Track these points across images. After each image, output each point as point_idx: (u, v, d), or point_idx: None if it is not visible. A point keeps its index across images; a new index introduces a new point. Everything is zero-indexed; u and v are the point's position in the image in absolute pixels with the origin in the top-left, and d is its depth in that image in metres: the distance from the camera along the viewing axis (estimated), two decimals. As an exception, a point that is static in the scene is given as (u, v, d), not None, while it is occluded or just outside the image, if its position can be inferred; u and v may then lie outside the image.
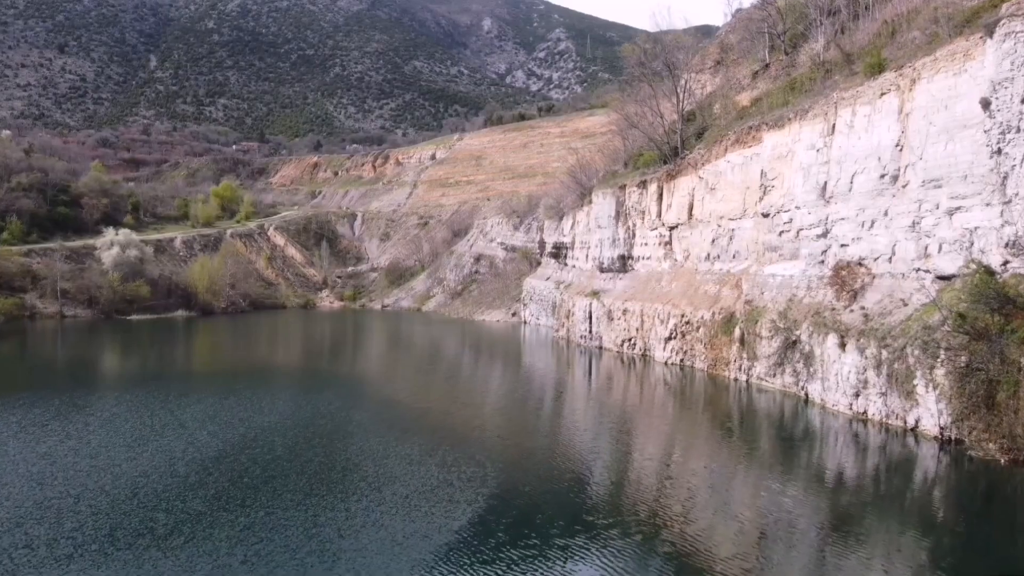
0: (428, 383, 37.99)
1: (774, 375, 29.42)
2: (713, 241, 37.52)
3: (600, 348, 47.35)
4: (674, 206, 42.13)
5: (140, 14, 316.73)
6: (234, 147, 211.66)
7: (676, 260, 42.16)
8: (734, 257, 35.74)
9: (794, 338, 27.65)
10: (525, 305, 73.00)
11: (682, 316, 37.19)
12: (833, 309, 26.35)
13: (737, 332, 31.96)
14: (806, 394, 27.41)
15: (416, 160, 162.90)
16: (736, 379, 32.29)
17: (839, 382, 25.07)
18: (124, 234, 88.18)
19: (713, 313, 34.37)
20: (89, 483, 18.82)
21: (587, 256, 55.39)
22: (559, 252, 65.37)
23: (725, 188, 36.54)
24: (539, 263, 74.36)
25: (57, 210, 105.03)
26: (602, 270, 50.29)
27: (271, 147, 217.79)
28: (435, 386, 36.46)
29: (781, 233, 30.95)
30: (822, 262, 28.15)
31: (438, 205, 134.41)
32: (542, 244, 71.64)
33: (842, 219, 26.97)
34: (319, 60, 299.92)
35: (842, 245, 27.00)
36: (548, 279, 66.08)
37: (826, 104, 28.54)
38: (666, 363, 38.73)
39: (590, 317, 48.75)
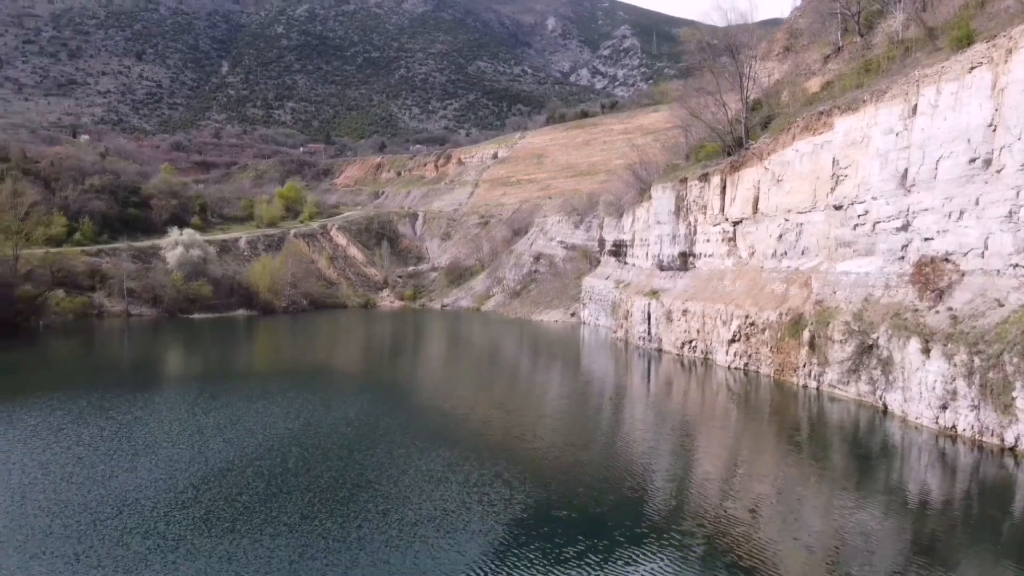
0: (473, 387, 36.41)
1: (847, 383, 26.74)
2: (780, 236, 34.86)
3: (659, 350, 45.00)
4: (738, 200, 39.54)
5: (213, 21, 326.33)
6: (300, 149, 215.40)
7: (740, 257, 39.56)
8: (803, 253, 33.04)
9: (870, 342, 24.97)
10: (584, 305, 70.89)
11: (746, 317, 34.65)
12: (915, 310, 23.62)
13: (806, 335, 29.34)
14: (884, 405, 24.70)
15: (478, 159, 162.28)
16: (805, 386, 29.67)
17: (922, 392, 22.37)
18: (188, 234, 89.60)
19: (780, 314, 31.78)
20: (76, 498, 17.46)
21: (646, 254, 53.02)
22: (619, 250, 63.06)
23: (793, 179, 33.86)
24: (598, 262, 72.14)
25: (127, 211, 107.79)
26: (661, 268, 47.90)
27: (336, 149, 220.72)
28: (480, 390, 34.83)
29: (855, 227, 28.22)
30: (902, 258, 25.38)
31: (499, 204, 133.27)
32: (601, 242, 69.41)
33: (925, 210, 24.18)
34: (384, 62, 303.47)
35: (925, 239, 24.20)
36: (607, 278, 63.86)
37: (906, 83, 25.75)
38: (728, 367, 36.23)
39: (648, 318, 46.43)
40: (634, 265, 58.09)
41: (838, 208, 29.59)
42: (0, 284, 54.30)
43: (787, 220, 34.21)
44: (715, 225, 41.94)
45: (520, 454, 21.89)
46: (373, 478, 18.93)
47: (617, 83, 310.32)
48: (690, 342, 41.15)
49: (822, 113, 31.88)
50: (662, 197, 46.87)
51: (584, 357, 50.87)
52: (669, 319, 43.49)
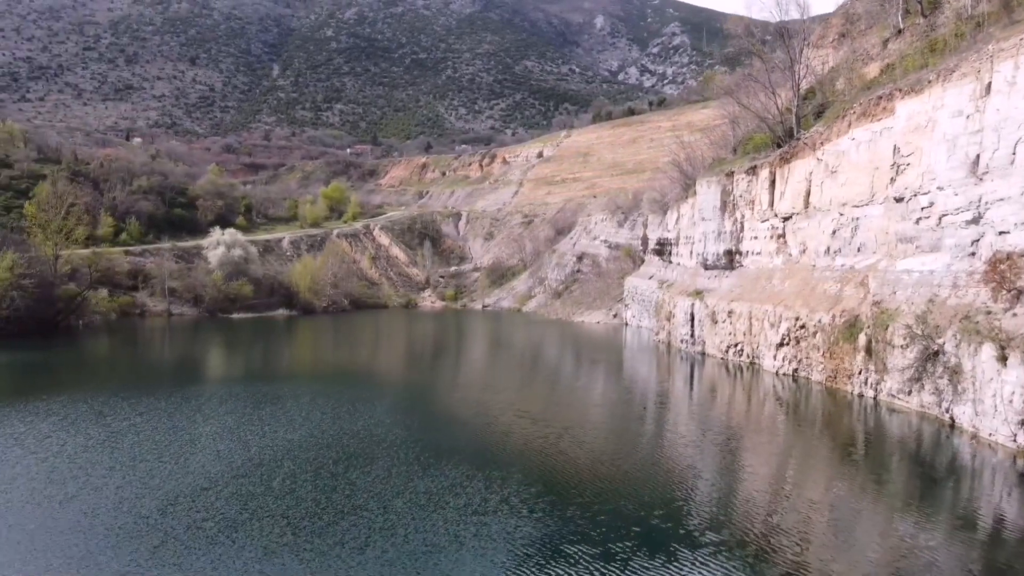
0: (501, 393, 34.44)
1: (909, 392, 24.08)
2: (834, 232, 32.18)
3: (702, 354, 42.52)
4: (788, 193, 36.89)
5: (264, 25, 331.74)
6: (348, 150, 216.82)
7: (790, 255, 36.91)
8: (859, 251, 30.35)
9: (936, 348, 22.33)
10: (627, 306, 68.50)
11: (796, 319, 32.05)
12: (988, 312, 20.95)
13: (862, 339, 26.71)
14: (952, 419, 22.03)
15: (523, 158, 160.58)
16: (861, 395, 27.03)
17: (997, 405, 19.72)
18: (230, 234, 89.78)
19: (833, 316, 29.16)
20: (14, 520, 15.64)
21: (691, 252, 50.50)
22: (663, 249, 60.56)
23: (848, 170, 31.17)
24: (643, 261, 69.67)
25: (173, 211, 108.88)
26: (706, 267, 45.38)
27: (383, 149, 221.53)
28: (508, 397, 32.83)
29: (918, 220, 25.53)
30: (973, 254, 22.68)
31: (543, 203, 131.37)
32: (645, 240, 66.94)
33: (1000, 200, 21.47)
34: (431, 63, 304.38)
35: (1000, 232, 21.49)
36: (651, 278, 61.40)
37: (978, 60, 23.03)
38: (776, 373, 33.65)
39: (692, 319, 43.97)
40: (678, 264, 55.58)
41: (899, 200, 26.90)
42: (40, 283, 54.40)
43: (842, 215, 31.53)
44: (763, 221, 39.33)
45: (538, 472, 19.77)
46: (361, 502, 16.73)
47: (666, 81, 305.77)
48: (735, 345, 38.62)
49: (881, 97, 29.18)
50: (707, 192, 44.34)
51: (623, 361, 48.57)
52: (714, 321, 41.00)
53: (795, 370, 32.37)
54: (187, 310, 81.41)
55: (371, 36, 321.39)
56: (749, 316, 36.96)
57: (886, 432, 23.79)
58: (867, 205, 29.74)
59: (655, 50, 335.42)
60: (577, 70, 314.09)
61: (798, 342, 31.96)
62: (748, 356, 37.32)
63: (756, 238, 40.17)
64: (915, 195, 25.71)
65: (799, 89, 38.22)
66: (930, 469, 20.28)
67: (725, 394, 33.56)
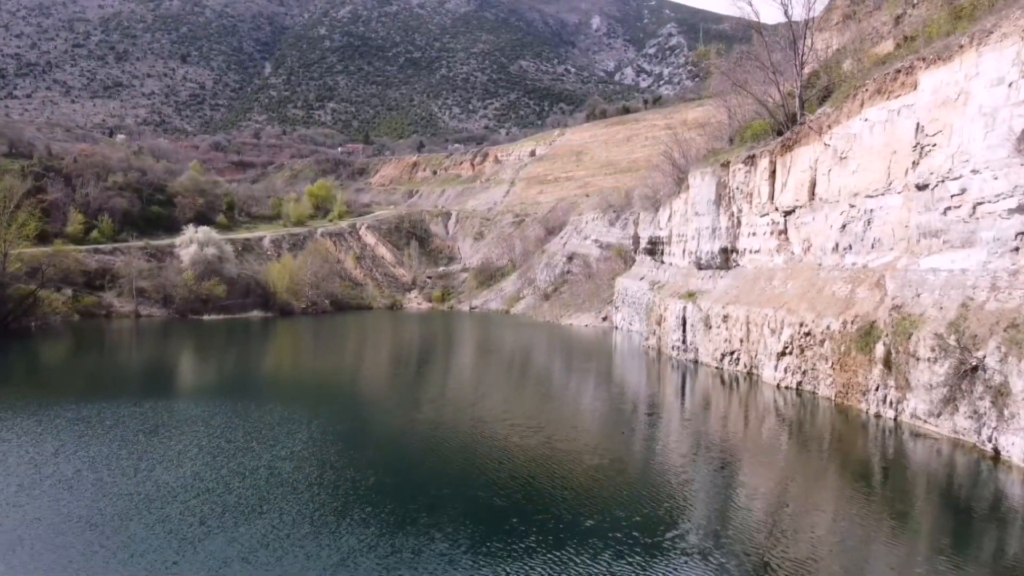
0: (470, 402, 30.61)
1: (939, 415, 20.20)
2: (843, 227, 28.36)
3: (695, 362, 38.67)
4: (790, 184, 33.08)
5: (257, 23, 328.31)
6: (339, 149, 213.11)
7: (792, 253, 33.09)
8: (873, 247, 26.52)
9: (974, 362, 18.48)
10: (617, 308, 64.67)
11: (800, 325, 28.21)
12: (1039, 319, 17.17)
13: (879, 350, 22.86)
14: (995, 448, 18.14)
15: (515, 157, 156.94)
16: (878, 415, 23.15)
17: (1055, 435, 15.93)
18: (204, 231, 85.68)
19: (844, 322, 25.30)
20: None
21: (683, 251, 46.69)
22: (654, 248, 56.76)
23: (861, 156, 27.35)
24: (634, 261, 65.86)
25: (150, 209, 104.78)
26: (700, 267, 41.54)
27: (375, 148, 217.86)
28: (477, 407, 28.94)
29: (946, 210, 21.73)
30: (1017, 249, 18.88)
31: (535, 203, 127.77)
32: (636, 239, 63.12)
33: (1052, 183, 17.73)
34: (425, 62, 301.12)
35: (1051, 223, 17.75)
36: (642, 279, 57.58)
37: (1022, 16, 19.29)
38: (778, 385, 29.79)
39: (684, 324, 40.11)
40: (670, 264, 51.77)
41: (922, 188, 23.08)
42: (-15, 282, 50.53)
43: (852, 206, 27.70)
44: (762, 216, 35.53)
45: (487, 505, 15.98)
46: (299, 539, 13.21)
47: (663, 82, 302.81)
48: (732, 353, 34.78)
49: (899, 71, 25.37)
50: (700, 185, 40.50)
51: (609, 369, 44.65)
52: (707, 326, 37.16)
53: (799, 383, 28.50)
54: (156, 311, 77.38)
55: (365, 35, 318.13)
56: (747, 321, 33.13)
57: (909, 460, 19.99)
58: (883, 195, 25.91)
59: (651, 51, 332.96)
60: (573, 70, 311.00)
61: (802, 351, 28.10)
62: (746, 366, 33.48)
63: (754, 235, 36.37)
64: (942, 181, 21.89)
65: (802, 68, 34.37)
66: (965, 508, 16.50)
67: (720, 408, 29.71)
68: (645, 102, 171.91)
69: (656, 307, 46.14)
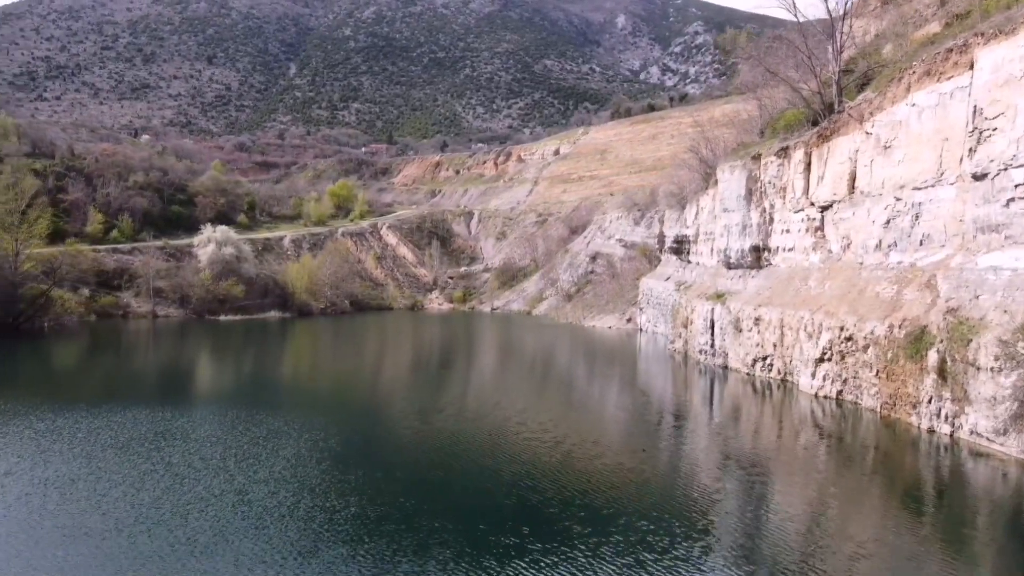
0: (472, 414, 28.63)
1: (1004, 432, 17.88)
2: (887, 222, 26.02)
3: (725, 367, 36.42)
4: (828, 177, 30.76)
5: (282, 25, 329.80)
6: (362, 149, 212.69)
7: (830, 251, 30.77)
8: (922, 244, 24.17)
9: (1047, 373, 16.21)
10: (641, 310, 62.41)
11: (840, 329, 25.92)
12: None
13: (932, 357, 20.56)
14: (1074, 473, 15.90)
15: (539, 156, 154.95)
16: (931, 430, 20.85)
17: None
18: (222, 231, 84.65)
19: (890, 327, 23.00)
20: None
21: (711, 249, 44.41)
22: (680, 247, 54.45)
23: (908, 144, 25.01)
24: (659, 261, 63.57)
25: (171, 208, 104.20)
26: (729, 266, 39.25)
27: (398, 148, 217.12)
28: (479, 422, 26.84)
29: (1009, 202, 19.42)
30: (1096, 244, 16.60)
31: (558, 202, 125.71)
32: (661, 238, 60.81)
33: None
34: (449, 62, 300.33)
35: None
36: (668, 279, 55.30)
37: (1101, -20, 17.01)
38: (816, 394, 27.52)
39: (712, 326, 37.87)
40: (697, 264, 49.48)
41: (979, 178, 20.77)
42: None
43: (899, 199, 25.36)
44: (797, 211, 33.21)
45: (491, 546, 14.03)
46: None
47: (688, 80, 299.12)
48: (764, 359, 32.51)
49: (951, 50, 23.03)
50: (730, 179, 38.21)
51: (633, 375, 42.48)
52: (737, 329, 34.90)
53: (840, 392, 26.21)
54: (173, 311, 76.43)
55: (389, 35, 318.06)
56: (780, 324, 30.86)
57: (968, 482, 17.75)
58: (933, 186, 23.57)
59: (677, 49, 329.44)
60: (598, 69, 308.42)
61: (843, 358, 25.81)
62: (779, 372, 31.21)
63: (788, 232, 34.05)
64: (1004, 169, 19.57)
65: (841, 53, 31.99)
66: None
67: (751, 418, 27.52)
68: (671, 99, 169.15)
69: (682, 309, 43.92)
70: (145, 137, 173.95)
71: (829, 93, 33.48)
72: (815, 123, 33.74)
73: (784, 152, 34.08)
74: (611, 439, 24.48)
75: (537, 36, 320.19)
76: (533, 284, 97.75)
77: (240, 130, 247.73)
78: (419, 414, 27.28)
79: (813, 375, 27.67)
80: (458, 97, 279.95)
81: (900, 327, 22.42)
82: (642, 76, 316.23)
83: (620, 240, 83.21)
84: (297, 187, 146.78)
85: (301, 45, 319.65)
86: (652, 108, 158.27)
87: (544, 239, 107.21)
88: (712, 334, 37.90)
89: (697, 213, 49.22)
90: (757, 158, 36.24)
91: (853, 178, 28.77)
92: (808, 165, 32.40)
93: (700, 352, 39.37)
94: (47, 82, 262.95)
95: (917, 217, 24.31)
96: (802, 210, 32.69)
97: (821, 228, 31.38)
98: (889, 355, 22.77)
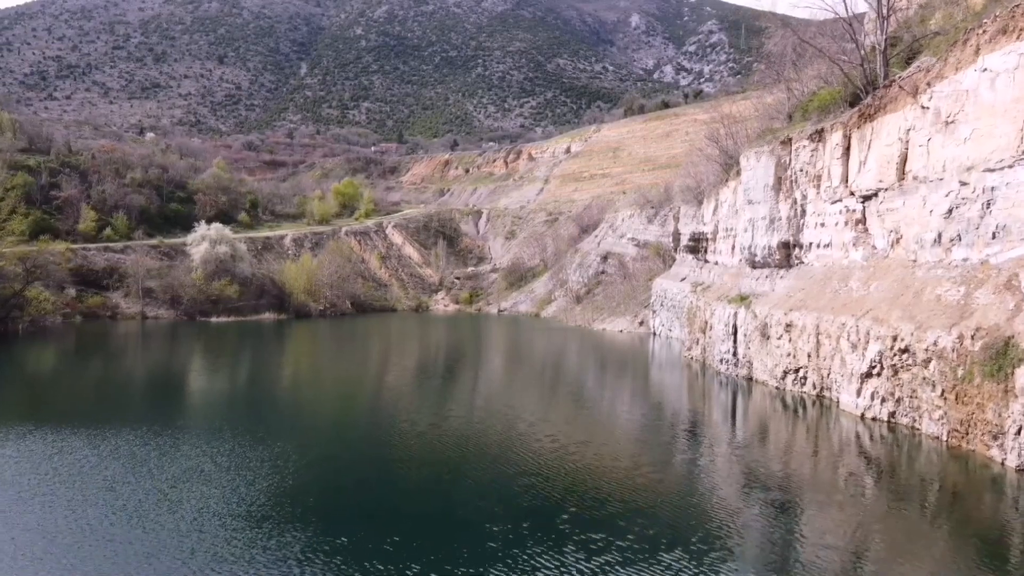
0: (457, 434, 24.70)
1: None
2: (950, 212, 21.86)
3: (749, 379, 32.29)
4: (871, 162, 26.60)
5: (294, 24, 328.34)
6: (372, 148, 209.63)
7: (874, 247, 26.60)
8: (995, 237, 19.99)
9: None
10: (654, 312, 58.30)
11: (893, 339, 21.77)
12: None
13: (1020, 377, 16.44)
14: None
15: (549, 154, 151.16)
16: (1020, 468, 16.72)
17: None
18: (216, 228, 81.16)
19: (959, 337, 18.86)
20: None
21: (732, 247, 40.29)
22: (697, 245, 50.34)
23: (977, 117, 20.86)
24: (674, 260, 59.44)
25: (169, 206, 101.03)
26: (754, 265, 35.09)
27: (408, 147, 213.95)
28: (465, 443, 22.90)
29: (1122, 181, 15.30)
30: None
31: (569, 201, 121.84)
32: (676, 236, 56.67)
33: None
34: (461, 61, 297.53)
35: None
36: (683, 280, 51.20)
37: None
38: (862, 416, 23.34)
39: (734, 333, 33.74)
40: (716, 263, 45.35)
41: (1078, 152, 16.63)
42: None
43: (964, 184, 21.19)
44: (834, 202, 29.06)
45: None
46: None
47: (703, 79, 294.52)
48: (796, 371, 28.38)
49: (1035, 1, 18.91)
50: (755, 167, 34.04)
51: (646, 387, 38.37)
52: (764, 336, 30.77)
53: (892, 414, 22.03)
54: (164, 312, 73.04)
55: (401, 34, 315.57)
56: (816, 331, 26.72)
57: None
58: (1012, 167, 19.39)
59: (691, 48, 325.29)
60: (611, 68, 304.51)
61: (896, 373, 21.65)
62: (815, 387, 27.05)
63: (823, 225, 29.91)
64: (1117, 139, 15.44)
65: (888, 18, 27.80)
66: None
67: (781, 438, 23.42)
68: (685, 96, 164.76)
69: (700, 312, 39.78)
70: (150, 135, 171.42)
71: (873, 66, 29.34)
72: (853, 104, 29.59)
73: (819, 135, 29.94)
74: (622, 454, 20.60)
75: (550, 35, 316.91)
76: (542, 285, 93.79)
77: (250, 129, 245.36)
78: (417, 436, 23.36)
79: (858, 392, 23.49)
80: (469, 96, 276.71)
81: (974, 338, 18.27)
82: (656, 75, 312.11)
83: (632, 239, 79.10)
84: (303, 186, 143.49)
85: (312, 44, 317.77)
86: (666, 105, 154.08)
87: (554, 238, 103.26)
88: (734, 341, 33.77)
89: (716, 208, 45.10)
90: (787, 143, 32.10)
91: (904, 161, 24.60)
92: (847, 149, 28.26)
93: (720, 361, 35.25)
94: (58, 81, 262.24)
95: (989, 204, 20.13)
96: (840, 200, 28.53)
97: (863, 221, 27.22)
98: (959, 372, 18.62)
